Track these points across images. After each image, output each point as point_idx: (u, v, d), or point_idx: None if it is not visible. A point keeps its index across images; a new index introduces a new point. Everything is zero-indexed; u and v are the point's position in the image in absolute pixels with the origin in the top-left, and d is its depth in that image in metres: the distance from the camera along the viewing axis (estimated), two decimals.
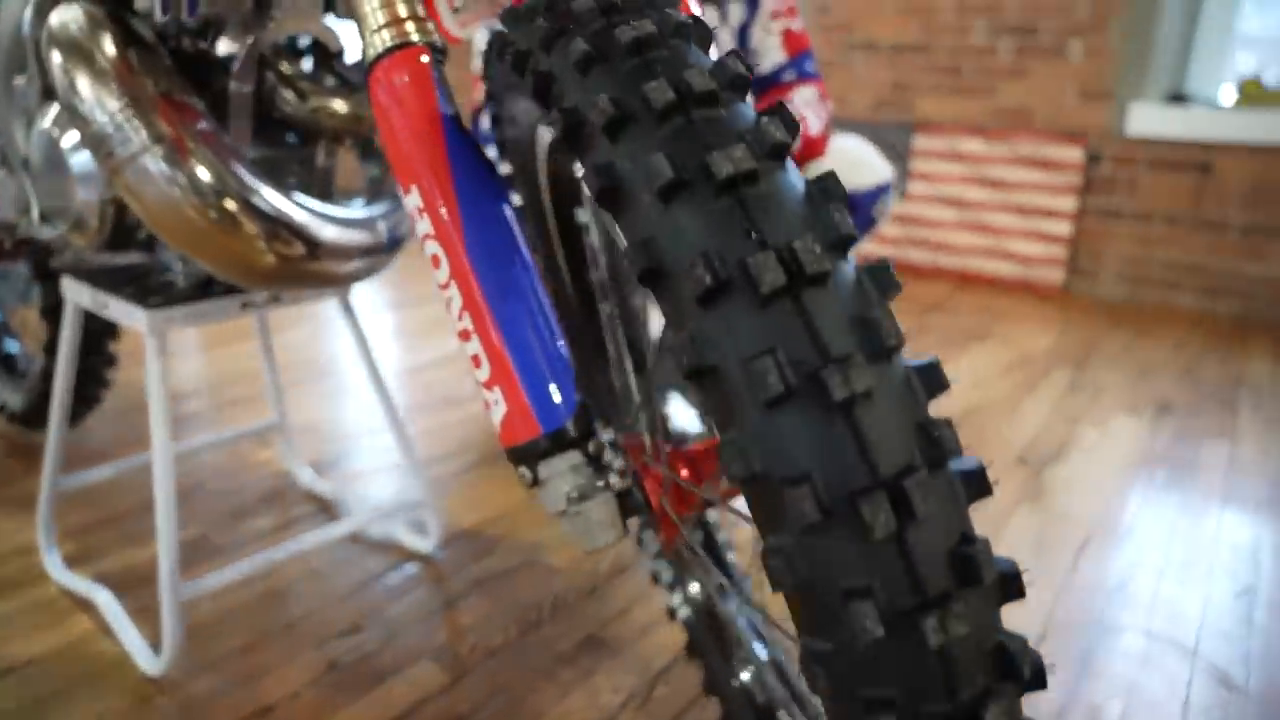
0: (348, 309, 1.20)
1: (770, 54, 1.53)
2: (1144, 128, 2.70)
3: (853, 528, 0.39)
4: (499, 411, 0.67)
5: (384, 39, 0.68)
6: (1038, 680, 0.42)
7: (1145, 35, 2.66)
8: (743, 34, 1.50)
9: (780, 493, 0.40)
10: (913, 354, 2.31)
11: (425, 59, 0.68)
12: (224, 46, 0.94)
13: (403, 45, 0.68)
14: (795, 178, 0.46)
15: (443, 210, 0.66)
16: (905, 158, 3.08)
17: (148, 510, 1.43)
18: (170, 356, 2.15)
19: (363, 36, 0.70)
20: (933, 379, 0.43)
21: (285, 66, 0.96)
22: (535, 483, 0.68)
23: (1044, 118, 2.86)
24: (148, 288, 1.05)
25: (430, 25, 0.70)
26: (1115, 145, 2.76)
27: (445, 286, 0.68)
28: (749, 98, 0.49)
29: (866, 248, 3.21)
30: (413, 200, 0.68)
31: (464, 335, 0.68)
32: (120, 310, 1.02)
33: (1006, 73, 2.91)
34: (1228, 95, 2.74)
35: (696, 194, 0.43)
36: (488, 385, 0.67)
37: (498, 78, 0.65)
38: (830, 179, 0.45)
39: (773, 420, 0.41)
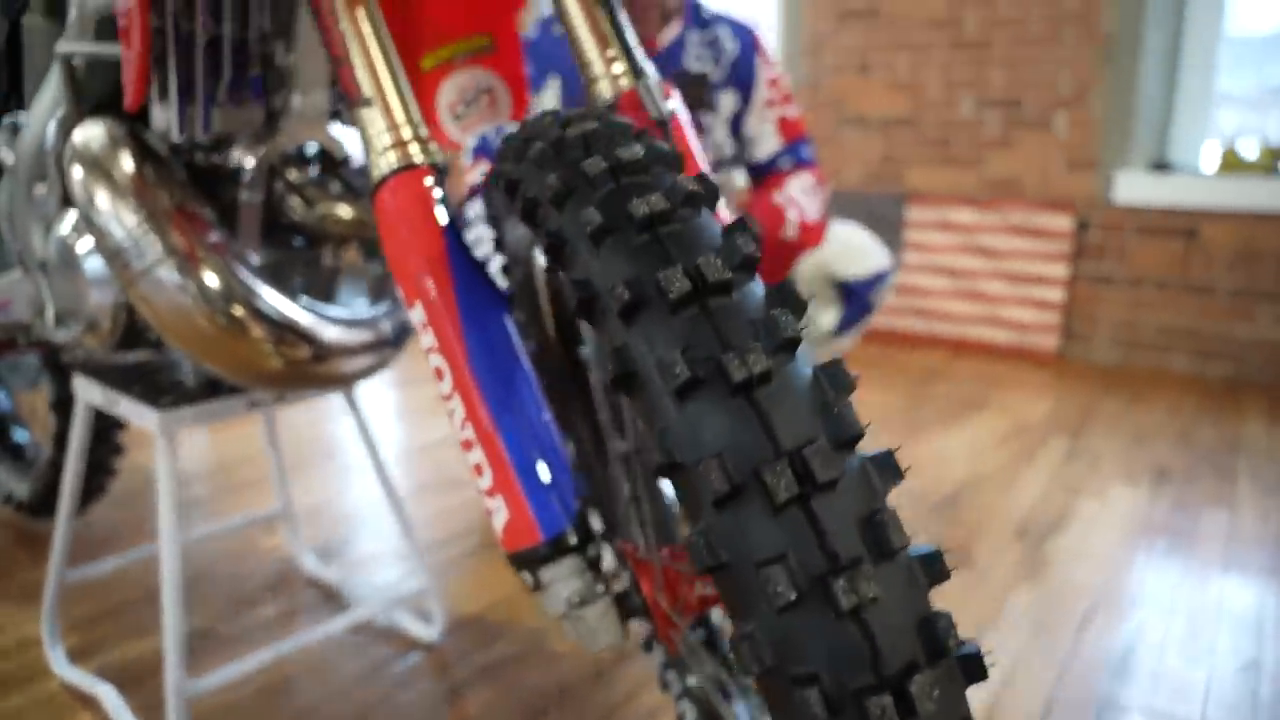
0: (352, 403, 1.23)
1: (766, 141, 1.58)
2: (1130, 195, 2.76)
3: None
4: (501, 518, 0.69)
5: (390, 161, 0.72)
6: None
7: (1126, 106, 2.74)
8: (736, 122, 1.55)
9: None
10: (912, 436, 2.33)
11: (429, 180, 0.72)
12: (235, 156, 0.98)
13: (407, 167, 0.71)
14: (804, 366, 0.47)
15: (446, 325, 0.69)
16: (898, 228, 3.14)
17: (153, 600, 1.44)
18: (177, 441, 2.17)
19: (369, 157, 0.73)
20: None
21: (293, 175, 1.00)
22: (537, 587, 0.70)
23: (1032, 187, 2.93)
24: (158, 386, 1.08)
25: (433, 145, 0.74)
26: (1103, 213, 2.82)
27: (448, 398, 0.70)
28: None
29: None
30: (417, 315, 0.70)
31: (466, 445, 0.70)
32: (131, 410, 1.04)
33: (994, 144, 2.98)
34: (1210, 159, 2.80)
35: (712, 391, 0.45)
36: (490, 493, 0.69)
37: (496, 204, 0.68)
38: (839, 364, 0.47)
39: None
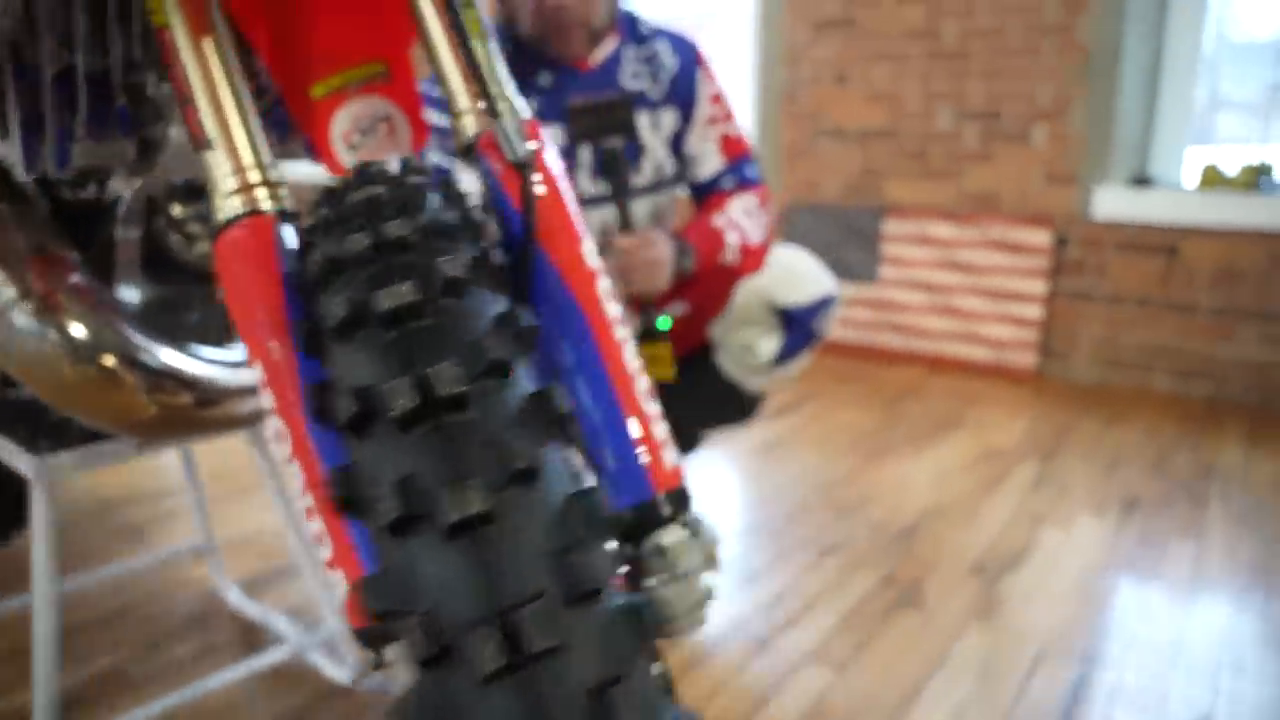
0: (259, 441, 1.18)
1: (708, 160, 1.52)
2: (1109, 211, 2.70)
3: None
4: (343, 592, 0.64)
5: (234, 205, 0.66)
6: None
7: (1106, 120, 2.68)
8: (676, 141, 1.49)
9: None
10: (879, 459, 2.27)
11: (273, 228, 0.66)
12: (112, 190, 0.93)
13: (252, 213, 0.66)
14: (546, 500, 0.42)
15: (284, 386, 0.64)
16: (876, 242, 3.08)
17: (65, 637, 1.39)
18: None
19: (213, 201, 0.68)
20: None
21: (176, 209, 0.95)
22: (378, 666, 0.65)
23: (1011, 202, 2.87)
24: (41, 426, 1.02)
25: (283, 191, 0.68)
26: (1082, 229, 2.76)
27: (290, 462, 0.65)
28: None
29: (818, 354, 3.20)
30: (257, 373, 0.65)
31: (310, 514, 0.65)
32: (8, 453, 0.99)
33: (973, 158, 2.93)
34: (1192, 175, 2.73)
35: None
36: (330, 565, 0.64)
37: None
38: (595, 494, 0.41)
39: None
